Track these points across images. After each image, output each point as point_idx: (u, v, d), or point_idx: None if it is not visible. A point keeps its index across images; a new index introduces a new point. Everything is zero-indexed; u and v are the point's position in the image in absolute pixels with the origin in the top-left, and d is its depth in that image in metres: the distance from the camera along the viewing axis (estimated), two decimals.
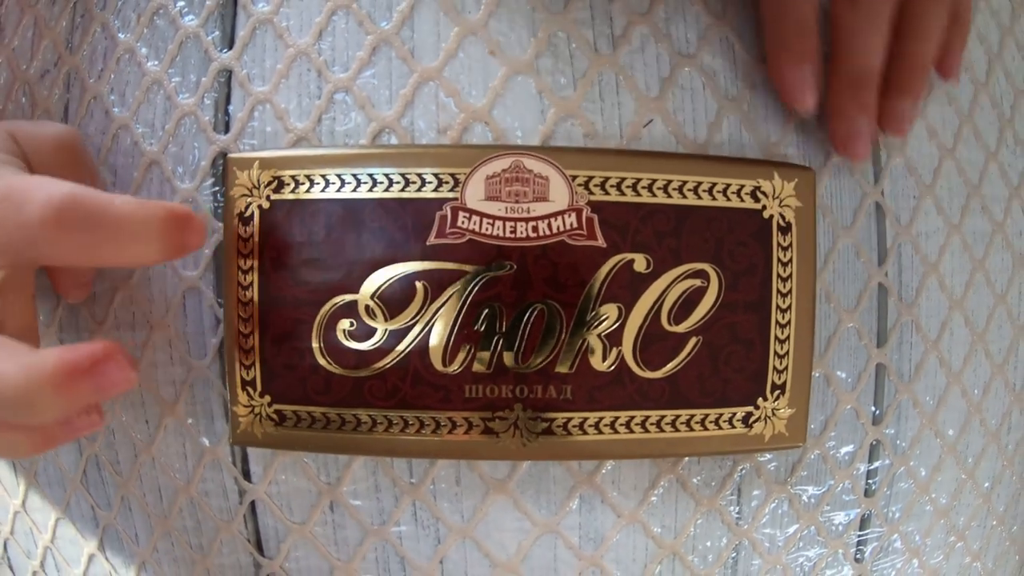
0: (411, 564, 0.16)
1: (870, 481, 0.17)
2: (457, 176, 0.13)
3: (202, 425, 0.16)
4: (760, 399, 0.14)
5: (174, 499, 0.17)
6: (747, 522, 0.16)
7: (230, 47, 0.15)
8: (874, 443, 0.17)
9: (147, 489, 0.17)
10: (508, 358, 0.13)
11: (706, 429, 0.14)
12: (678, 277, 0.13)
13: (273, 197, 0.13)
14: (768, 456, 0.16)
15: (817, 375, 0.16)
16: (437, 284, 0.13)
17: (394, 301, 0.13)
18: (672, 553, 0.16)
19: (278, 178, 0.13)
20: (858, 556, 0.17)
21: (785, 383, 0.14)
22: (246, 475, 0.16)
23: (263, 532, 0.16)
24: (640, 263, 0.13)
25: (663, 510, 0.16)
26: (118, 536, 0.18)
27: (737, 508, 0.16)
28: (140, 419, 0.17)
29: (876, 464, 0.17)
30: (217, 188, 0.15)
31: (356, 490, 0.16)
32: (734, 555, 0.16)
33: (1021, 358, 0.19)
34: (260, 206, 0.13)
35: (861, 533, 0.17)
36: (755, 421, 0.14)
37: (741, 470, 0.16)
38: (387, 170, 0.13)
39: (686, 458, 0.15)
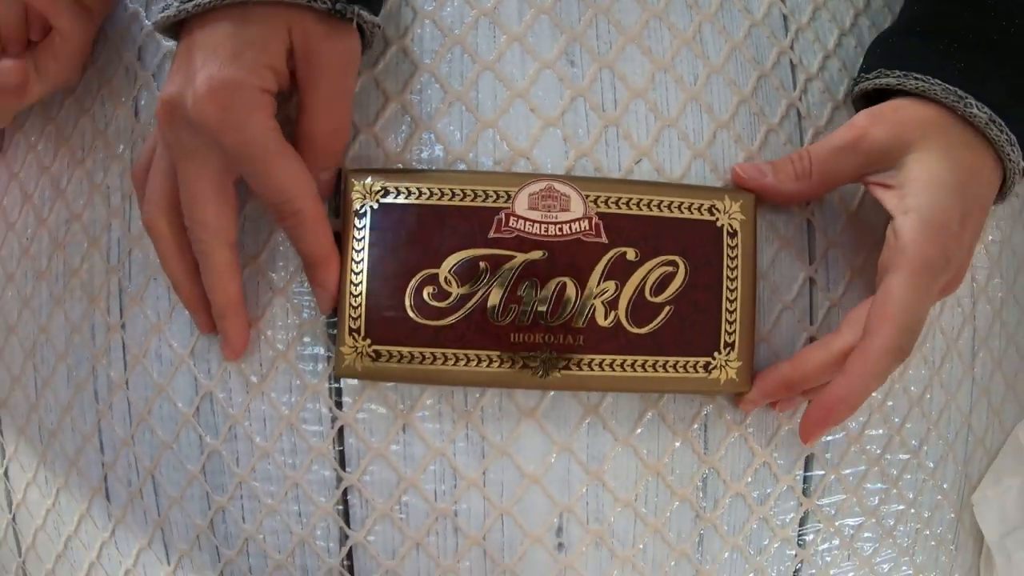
0: (461, 475, 0.21)
1: None
2: (509, 192, 0.19)
3: (308, 367, 0.22)
4: (716, 352, 0.19)
5: (276, 427, 0.22)
6: (712, 453, 0.22)
7: None
8: None
9: (253, 419, 0.22)
10: (542, 315, 0.19)
11: (678, 372, 0.19)
12: (657, 264, 0.19)
13: (382, 201, 0.19)
14: (725, 402, 0.21)
15: (762, 345, 0.22)
16: (494, 264, 0.19)
17: (464, 274, 0.19)
18: (656, 472, 0.21)
19: (385, 187, 0.19)
20: (805, 491, 0.23)
21: (734, 342, 0.20)
22: (338, 405, 0.21)
23: (347, 452, 0.22)
24: (631, 254, 0.19)
25: (648, 438, 0.21)
26: (221, 461, 0.23)
27: (704, 441, 0.22)
28: (255, 363, 0.22)
29: None
30: (336, 194, 0.21)
31: (424, 416, 0.21)
32: (704, 478, 0.22)
33: (937, 339, 0.24)
34: (371, 206, 0.19)
35: (807, 472, 0.23)
36: (713, 368, 0.20)
37: (706, 412, 0.21)
38: (462, 187, 0.19)
39: (666, 396, 0.21)
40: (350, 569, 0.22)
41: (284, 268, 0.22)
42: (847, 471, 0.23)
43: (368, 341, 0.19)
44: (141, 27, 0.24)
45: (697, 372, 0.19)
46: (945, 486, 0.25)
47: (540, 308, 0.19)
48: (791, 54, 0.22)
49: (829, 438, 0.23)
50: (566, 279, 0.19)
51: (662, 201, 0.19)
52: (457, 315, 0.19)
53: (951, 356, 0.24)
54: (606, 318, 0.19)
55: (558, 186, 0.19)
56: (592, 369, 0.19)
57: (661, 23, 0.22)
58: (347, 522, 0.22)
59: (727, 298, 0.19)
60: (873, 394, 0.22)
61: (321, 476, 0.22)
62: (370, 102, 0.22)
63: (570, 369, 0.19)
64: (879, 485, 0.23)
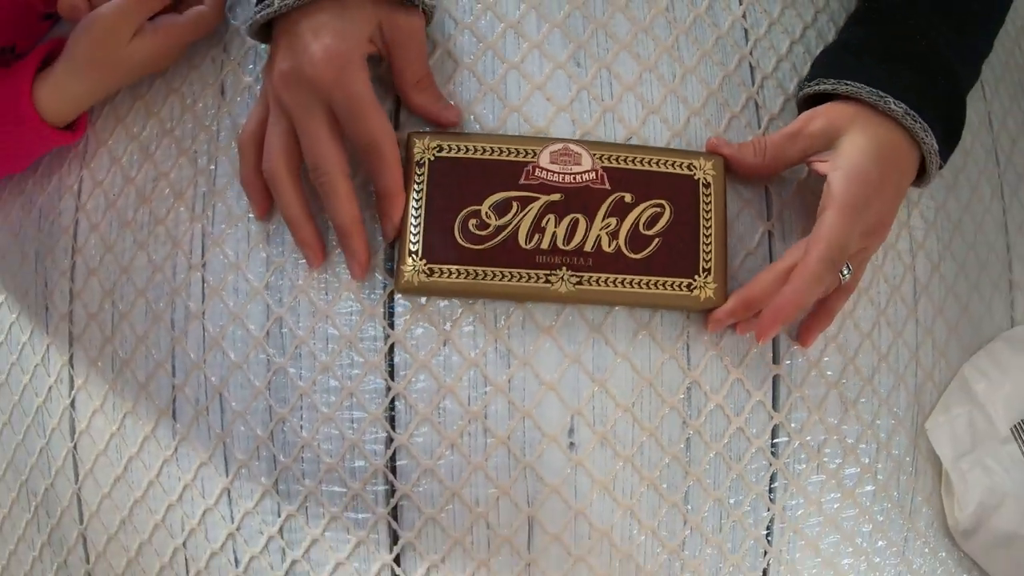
0: (490, 382, 0.25)
1: (776, 350, 0.27)
2: (535, 150, 0.25)
3: (367, 293, 0.26)
4: (696, 275, 0.25)
5: (337, 345, 0.26)
6: (694, 368, 0.26)
7: None
8: None
9: (317, 339, 0.26)
10: (559, 242, 0.24)
11: (667, 290, 0.25)
12: (648, 206, 0.25)
13: (437, 155, 0.25)
14: (704, 325, 0.26)
15: (733, 282, 0.27)
16: (523, 203, 0.24)
17: (500, 210, 0.24)
18: (648, 383, 0.26)
19: (439, 144, 0.25)
20: (774, 405, 0.27)
21: (711, 268, 0.25)
22: (391, 325, 0.26)
23: (396, 365, 0.26)
24: (628, 198, 0.25)
25: (641, 353, 0.26)
26: (286, 377, 0.26)
27: (687, 358, 0.26)
28: (321, 290, 0.27)
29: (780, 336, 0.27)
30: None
31: (462, 332, 0.26)
32: (688, 389, 0.26)
33: (881, 285, 0.29)
34: (429, 159, 0.25)
35: (775, 391, 0.27)
36: (695, 288, 0.25)
37: (688, 332, 0.26)
38: (499, 145, 0.25)
39: (655, 317, 0.26)
40: (393, 470, 0.26)
41: None
42: (809, 391, 0.28)
43: (424, 261, 0.24)
44: (226, 27, 0.30)
45: (682, 291, 0.25)
46: (899, 412, 0.29)
47: (559, 236, 0.24)
48: (750, 59, 0.29)
49: (788, 362, 0.28)
50: (578, 215, 0.24)
51: (652, 159, 0.25)
52: (495, 240, 0.24)
53: (895, 300, 0.29)
54: (609, 245, 0.24)
55: (572, 146, 0.25)
56: (599, 285, 0.24)
57: (647, 35, 0.28)
58: (392, 427, 0.26)
59: (703, 234, 0.25)
60: (828, 329, 0.27)
61: (373, 386, 0.26)
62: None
63: (582, 285, 0.24)
64: (838, 406, 0.28)
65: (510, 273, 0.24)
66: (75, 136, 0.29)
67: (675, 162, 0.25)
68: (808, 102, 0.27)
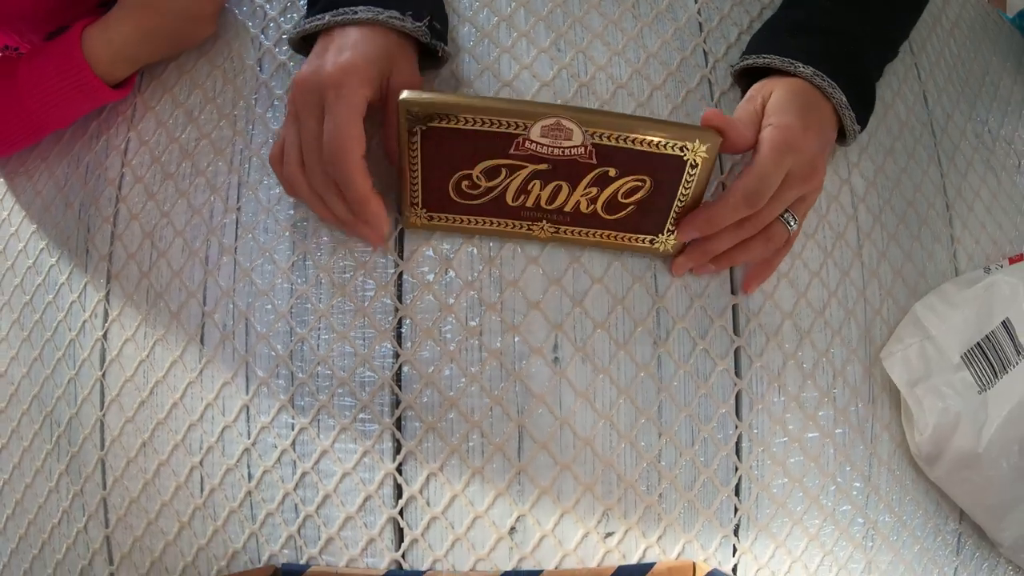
0: (485, 302, 0.29)
1: (733, 282, 0.31)
2: (526, 124, 0.25)
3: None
4: (660, 234, 0.29)
5: (355, 272, 0.30)
6: (662, 295, 0.31)
7: None
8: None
9: (336, 270, 0.30)
10: (543, 203, 0.28)
11: (632, 243, 0.29)
12: (630, 180, 0.26)
13: (429, 124, 0.25)
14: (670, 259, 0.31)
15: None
16: (511, 170, 0.27)
17: (490, 174, 0.27)
18: (621, 305, 0.30)
19: (431, 115, 0.25)
20: (735, 329, 0.31)
21: (673, 230, 0.29)
22: (400, 255, 0.30)
23: (403, 288, 0.30)
24: (612, 172, 0.26)
25: (615, 279, 0.30)
26: (307, 301, 0.30)
27: (655, 285, 0.31)
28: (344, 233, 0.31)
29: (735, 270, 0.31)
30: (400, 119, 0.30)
31: (460, 261, 0.30)
32: (657, 312, 0.30)
33: (826, 230, 0.33)
34: (421, 128, 0.25)
35: (734, 317, 0.31)
36: (656, 243, 0.29)
37: (655, 264, 0.31)
38: (494, 117, 0.25)
39: (627, 252, 0.30)
40: (398, 382, 0.29)
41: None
42: (765, 320, 0.32)
43: (424, 210, 0.28)
44: (264, 15, 0.35)
45: (646, 244, 0.29)
46: (851, 343, 0.32)
47: (542, 197, 0.27)
48: (704, 46, 0.35)
49: (744, 296, 0.32)
50: (562, 183, 0.26)
51: (645, 139, 0.25)
52: (484, 199, 0.27)
53: (840, 243, 0.34)
54: (587, 208, 0.27)
55: (564, 122, 0.25)
56: (573, 235, 0.28)
57: (616, 27, 0.34)
58: (399, 343, 0.29)
59: (677, 205, 0.28)
60: (779, 267, 0.31)
61: (383, 306, 0.30)
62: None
63: (558, 234, 0.28)
64: (793, 334, 0.32)
65: (497, 222, 0.28)
66: (122, 93, 0.33)
67: (668, 143, 0.25)
68: (743, 79, 0.32)
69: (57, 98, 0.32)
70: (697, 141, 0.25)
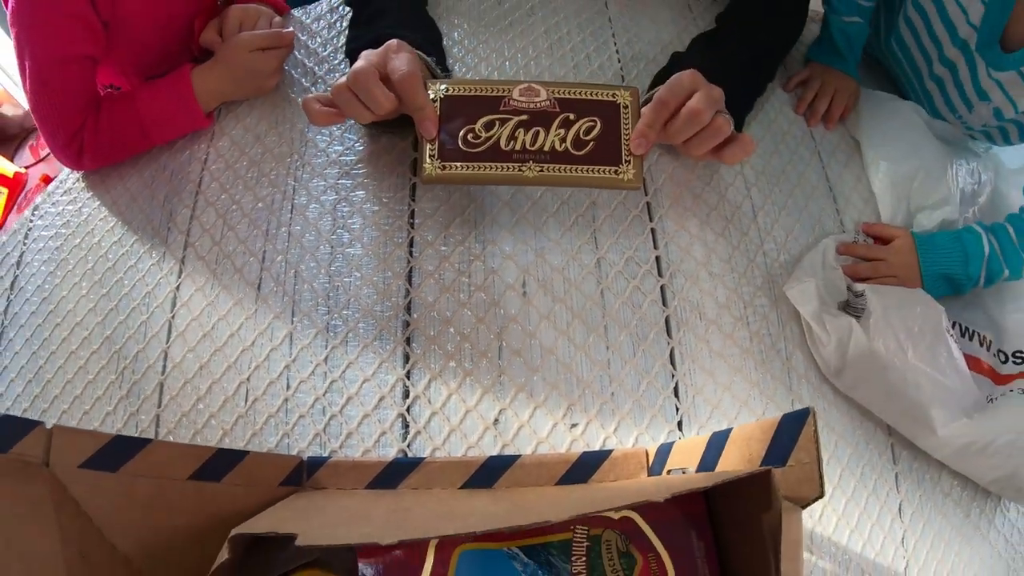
0: (472, 254, 0.41)
1: (656, 240, 0.44)
2: (509, 89, 0.37)
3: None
4: (621, 164, 0.40)
5: (379, 237, 0.41)
6: (601, 249, 0.43)
7: None
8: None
9: (366, 239, 0.41)
10: (527, 145, 0.39)
11: (601, 174, 0.40)
12: (585, 121, 0.37)
13: (446, 94, 0.38)
14: (611, 215, 0.43)
15: (646, 165, 0.44)
16: (502, 122, 0.37)
17: (487, 127, 0.39)
18: (572, 257, 0.42)
19: (447, 87, 0.37)
20: (659, 274, 0.43)
21: (631, 160, 0.38)
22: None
23: (413, 249, 0.41)
24: (571, 116, 0.37)
25: (567, 240, 0.42)
26: (344, 256, 0.41)
27: (596, 243, 0.43)
28: (370, 201, 0.43)
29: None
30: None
31: (455, 225, 0.41)
32: (598, 262, 0.42)
33: (725, 205, 0.47)
34: (440, 97, 0.38)
35: (658, 267, 0.43)
36: (620, 172, 0.40)
37: (595, 230, 0.43)
38: (486, 86, 0.38)
39: (575, 218, 0.43)
40: (408, 311, 0.39)
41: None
42: (684, 267, 0.42)
43: (440, 161, 0.40)
44: (314, 74, 0.50)
45: (610, 175, 0.38)
46: (757, 282, 0.42)
47: (527, 141, 0.37)
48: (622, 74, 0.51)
49: (664, 247, 0.44)
50: (539, 128, 0.37)
51: (587, 91, 0.38)
52: (484, 146, 0.37)
53: (737, 216, 0.45)
54: (560, 147, 0.37)
55: (535, 85, 0.38)
56: (555, 172, 0.39)
57: (560, 46, 0.50)
58: (410, 283, 0.40)
59: (623, 138, 0.37)
60: (691, 230, 0.44)
61: (399, 258, 0.41)
62: None
63: (544, 172, 0.39)
64: (708, 279, 0.42)
65: (496, 166, 0.39)
66: (209, 120, 0.47)
67: (604, 92, 0.38)
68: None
69: (165, 117, 0.45)
70: (621, 90, 0.39)
